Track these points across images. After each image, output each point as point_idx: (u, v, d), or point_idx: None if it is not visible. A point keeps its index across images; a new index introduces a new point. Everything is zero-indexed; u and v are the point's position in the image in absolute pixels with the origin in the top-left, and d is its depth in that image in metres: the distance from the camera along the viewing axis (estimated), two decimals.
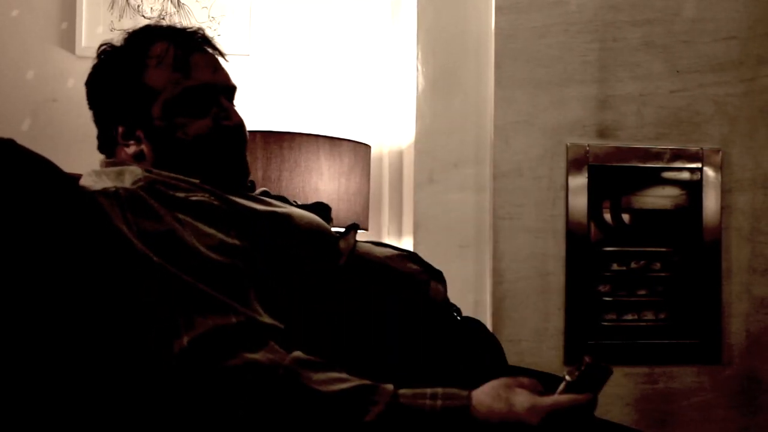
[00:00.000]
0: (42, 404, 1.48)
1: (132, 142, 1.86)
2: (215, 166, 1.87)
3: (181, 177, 1.76)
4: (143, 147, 1.86)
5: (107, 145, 1.92)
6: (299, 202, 2.06)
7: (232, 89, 1.96)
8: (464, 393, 1.45)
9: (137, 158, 1.86)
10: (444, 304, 1.95)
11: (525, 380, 1.48)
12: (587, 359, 1.46)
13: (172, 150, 1.85)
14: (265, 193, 2.00)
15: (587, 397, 1.44)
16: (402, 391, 1.44)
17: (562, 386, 1.46)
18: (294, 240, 1.75)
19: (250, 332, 1.49)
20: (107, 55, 1.91)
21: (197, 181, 1.77)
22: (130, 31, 1.93)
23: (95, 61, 1.93)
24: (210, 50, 1.94)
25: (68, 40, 3.58)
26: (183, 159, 1.84)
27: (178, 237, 1.58)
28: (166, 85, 1.84)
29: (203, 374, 1.44)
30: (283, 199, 1.99)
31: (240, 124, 1.92)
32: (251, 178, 1.99)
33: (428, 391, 1.44)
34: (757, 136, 3.28)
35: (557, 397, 1.45)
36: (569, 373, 1.46)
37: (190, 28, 1.94)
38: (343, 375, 1.46)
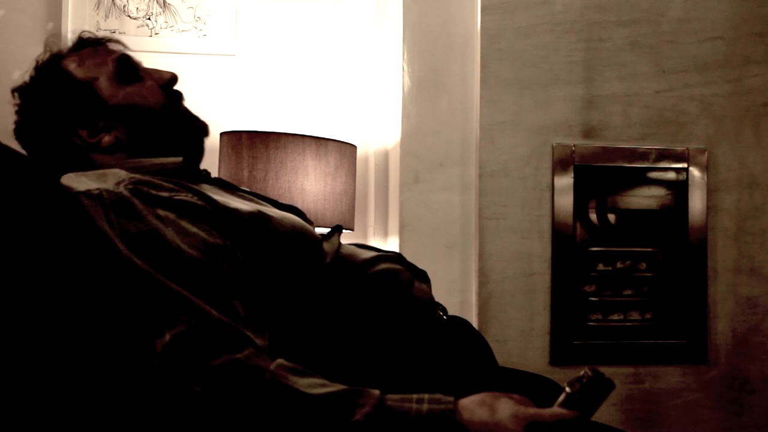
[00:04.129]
0: (20, 407, 1.47)
1: (101, 134, 1.88)
2: (180, 116, 1.97)
3: (165, 179, 1.76)
4: (114, 133, 1.88)
5: (78, 160, 1.89)
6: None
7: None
8: (450, 398, 1.45)
9: (115, 147, 1.88)
10: (429, 304, 1.95)
11: (516, 396, 1.48)
12: (589, 372, 1.45)
13: (141, 118, 1.90)
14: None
15: (573, 414, 1.44)
16: (388, 395, 1.44)
17: (561, 398, 1.46)
18: (277, 242, 1.75)
19: (233, 335, 1.49)
20: (28, 89, 1.95)
21: (183, 181, 1.77)
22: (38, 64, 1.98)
23: (17, 103, 1.96)
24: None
25: (54, 40, 3.56)
26: (154, 123, 1.92)
27: (161, 237, 1.57)
28: (99, 69, 1.91)
29: (187, 373, 1.44)
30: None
31: (173, 73, 2.00)
32: (235, 178, 2.00)
33: (414, 396, 1.45)
34: (742, 136, 3.29)
35: (540, 409, 1.45)
36: (570, 385, 1.45)
37: (83, 35, 2.02)
38: (326, 381, 1.46)
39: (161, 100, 1.94)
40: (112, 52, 1.96)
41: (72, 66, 1.90)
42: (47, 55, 1.96)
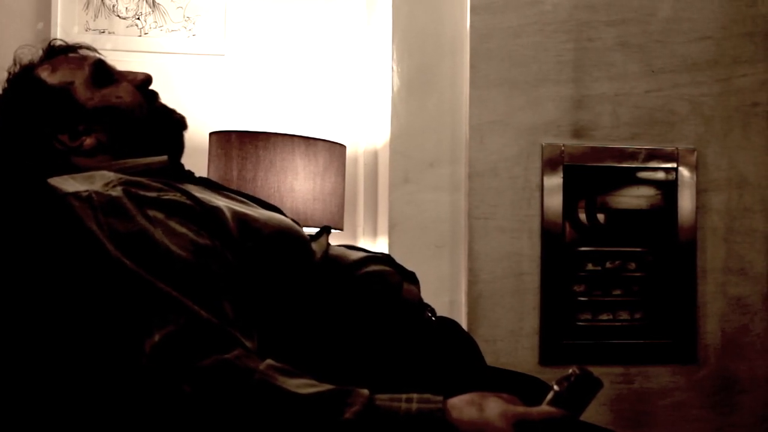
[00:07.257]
0: (9, 408, 1.47)
1: (82, 138, 1.87)
2: (158, 111, 1.97)
3: (152, 179, 1.75)
4: (95, 135, 1.88)
5: (60, 166, 1.89)
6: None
7: None
8: (439, 398, 1.45)
9: (97, 150, 1.87)
10: (418, 305, 1.95)
11: (505, 395, 1.49)
12: (577, 370, 1.45)
13: (120, 118, 1.90)
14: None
15: (561, 413, 1.44)
16: (378, 395, 1.44)
17: (550, 396, 1.46)
18: (265, 241, 1.75)
19: (222, 335, 1.49)
20: (2, 101, 1.94)
21: (169, 181, 1.77)
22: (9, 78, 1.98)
23: None
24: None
25: (44, 40, 3.55)
26: (133, 121, 1.91)
27: (150, 237, 1.57)
28: (73, 74, 1.90)
29: (176, 373, 1.43)
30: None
31: (147, 74, 2.01)
32: (224, 178, 2.01)
33: (404, 395, 1.45)
34: (732, 136, 3.29)
35: (528, 408, 1.45)
36: (558, 384, 1.46)
37: (54, 43, 2.02)
38: (315, 382, 1.46)
39: (138, 98, 1.93)
40: (86, 57, 1.96)
41: (45, 74, 1.90)
42: (18, 67, 1.96)
